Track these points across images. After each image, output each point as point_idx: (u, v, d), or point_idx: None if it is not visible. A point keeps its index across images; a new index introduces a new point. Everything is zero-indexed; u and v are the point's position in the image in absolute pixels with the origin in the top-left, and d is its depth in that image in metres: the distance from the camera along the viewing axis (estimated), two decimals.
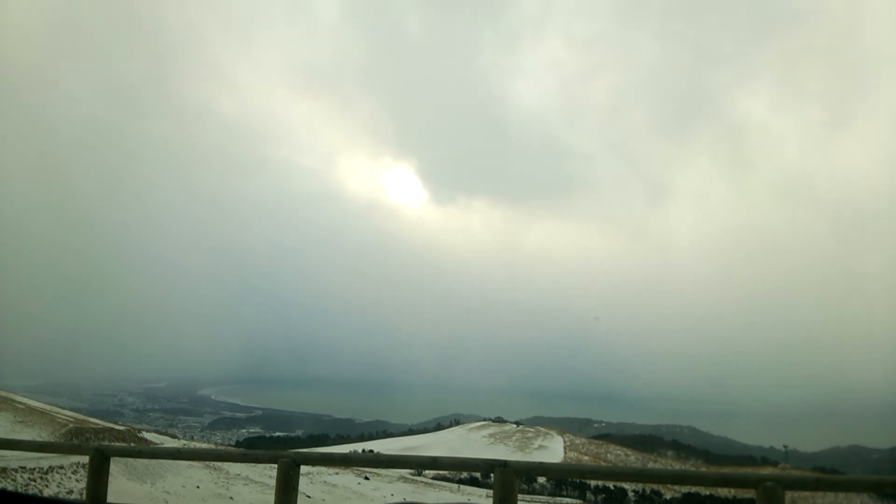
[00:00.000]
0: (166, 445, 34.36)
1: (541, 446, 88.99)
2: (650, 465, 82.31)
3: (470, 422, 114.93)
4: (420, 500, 33.18)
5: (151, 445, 30.03)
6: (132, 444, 28.66)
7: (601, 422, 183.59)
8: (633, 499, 58.47)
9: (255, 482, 27.38)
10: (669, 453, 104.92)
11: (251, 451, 13.59)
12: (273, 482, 5.66)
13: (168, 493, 21.53)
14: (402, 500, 31.33)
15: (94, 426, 36.66)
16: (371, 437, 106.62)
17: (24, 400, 39.75)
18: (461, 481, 50.75)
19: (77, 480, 17.40)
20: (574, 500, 53.41)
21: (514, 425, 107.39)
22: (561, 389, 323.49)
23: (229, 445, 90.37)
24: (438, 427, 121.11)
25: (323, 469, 35.54)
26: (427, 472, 48.31)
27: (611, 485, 56.78)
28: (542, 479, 55.58)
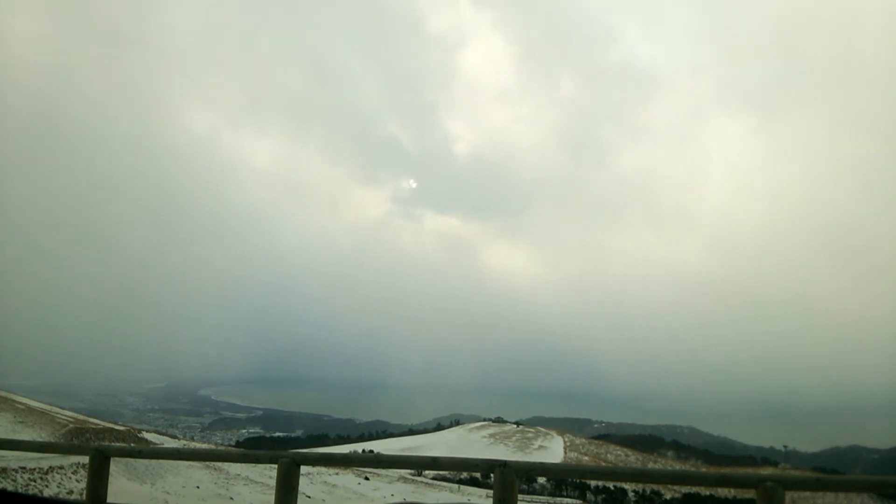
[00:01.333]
0: (166, 446, 34.36)
1: (541, 446, 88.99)
2: (650, 465, 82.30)
3: (470, 422, 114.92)
4: (420, 501, 33.17)
5: (151, 446, 30.03)
6: (132, 445, 28.65)
7: (601, 422, 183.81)
8: (633, 499, 58.50)
9: (256, 482, 27.38)
10: (669, 453, 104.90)
11: (251, 451, 13.60)
12: (273, 482, 5.66)
13: (168, 493, 21.52)
14: (402, 501, 31.31)
15: (94, 426, 36.63)
16: (371, 438, 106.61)
17: (24, 400, 39.70)
18: (461, 481, 50.75)
19: (77, 481, 17.40)
20: (574, 501, 53.40)
21: (514, 425, 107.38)
22: (561, 390, 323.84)
23: (229, 446, 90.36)
24: (438, 427, 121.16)
25: (323, 469, 35.53)
26: (427, 472, 48.32)
27: (611, 485, 56.81)
28: (542, 480, 55.59)
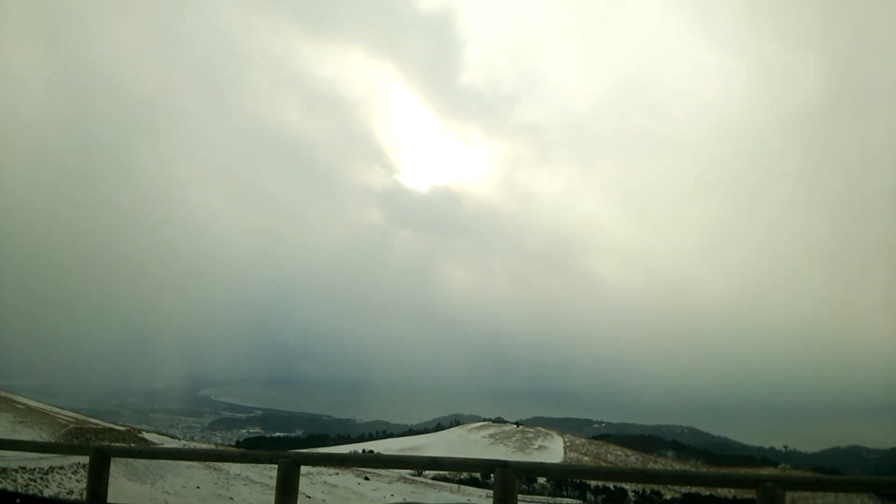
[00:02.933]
0: (166, 446, 34.38)
1: (541, 447, 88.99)
2: (650, 465, 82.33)
3: (470, 422, 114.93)
4: (420, 501, 33.18)
5: (151, 446, 30.05)
6: (132, 445, 28.67)
7: (601, 422, 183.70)
8: (633, 499, 58.48)
9: (256, 482, 27.39)
10: (669, 454, 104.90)
11: (251, 451, 13.59)
12: (273, 482, 5.66)
13: (168, 493, 21.53)
14: (402, 501, 31.32)
15: (94, 426, 36.70)
16: (371, 438, 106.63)
17: (25, 400, 39.77)
18: (461, 482, 50.74)
19: (77, 481, 17.40)
20: (574, 501, 53.41)
21: (514, 426, 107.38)
22: (561, 390, 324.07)
23: (229, 446, 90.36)
24: (438, 427, 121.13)
25: (323, 469, 35.55)
26: (427, 472, 48.31)
27: (611, 485, 56.80)
28: (542, 480, 55.58)
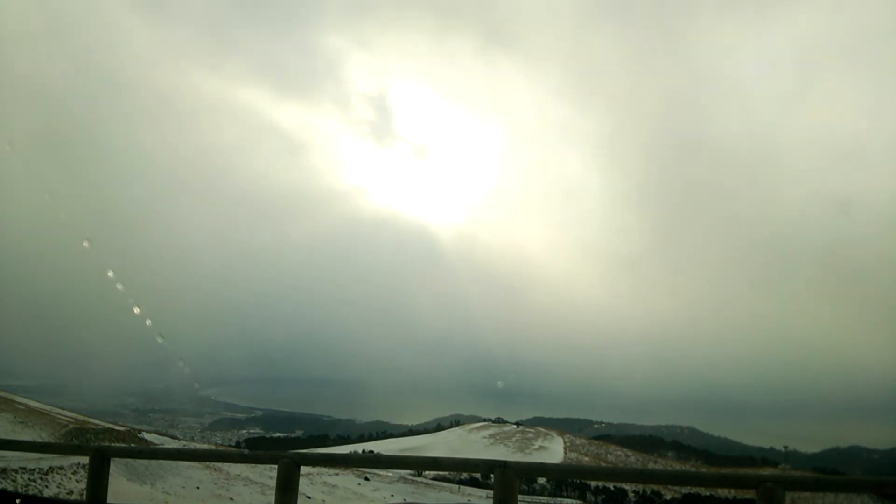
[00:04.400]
0: (166, 446, 34.40)
1: (541, 447, 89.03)
2: (650, 465, 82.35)
3: (470, 422, 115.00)
4: (420, 501, 33.19)
5: (151, 446, 30.05)
6: (132, 445, 28.68)
7: (601, 422, 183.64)
8: (633, 499, 58.55)
9: (255, 483, 27.39)
10: (670, 454, 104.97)
11: (251, 451, 13.60)
12: (273, 483, 5.66)
13: (168, 493, 21.54)
14: (402, 501, 31.33)
15: (94, 427, 36.74)
16: (371, 438, 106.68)
17: (25, 400, 39.79)
18: (461, 482, 50.77)
19: (77, 481, 17.40)
20: (574, 501, 53.48)
21: (514, 426, 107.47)
22: (561, 390, 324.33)
23: (229, 446, 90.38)
24: (438, 428, 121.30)
25: (323, 470, 35.53)
26: (427, 472, 48.32)
27: (611, 485, 56.84)
28: (542, 480, 55.60)
